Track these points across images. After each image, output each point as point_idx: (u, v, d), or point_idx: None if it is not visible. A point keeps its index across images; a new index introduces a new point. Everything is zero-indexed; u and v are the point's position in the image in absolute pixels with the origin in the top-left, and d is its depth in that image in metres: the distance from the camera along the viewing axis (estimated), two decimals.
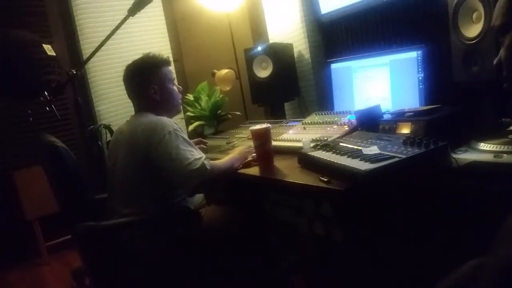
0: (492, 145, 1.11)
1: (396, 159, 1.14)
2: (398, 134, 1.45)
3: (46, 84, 2.31)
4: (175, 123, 1.60)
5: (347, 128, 1.67)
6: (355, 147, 1.37)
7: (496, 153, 1.05)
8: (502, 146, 1.08)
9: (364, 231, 1.21)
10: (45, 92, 2.22)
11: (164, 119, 1.59)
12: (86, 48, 2.81)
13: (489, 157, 1.06)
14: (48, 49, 2.38)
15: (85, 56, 2.72)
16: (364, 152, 1.27)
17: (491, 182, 0.99)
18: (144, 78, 1.69)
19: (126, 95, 1.78)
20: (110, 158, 1.74)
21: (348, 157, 1.29)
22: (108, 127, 2.68)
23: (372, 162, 1.16)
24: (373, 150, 1.28)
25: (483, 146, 1.14)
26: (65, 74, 2.28)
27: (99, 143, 2.60)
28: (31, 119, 2.84)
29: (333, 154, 1.37)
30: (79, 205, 1.55)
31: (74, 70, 2.18)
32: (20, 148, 2.89)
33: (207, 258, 1.55)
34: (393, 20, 1.99)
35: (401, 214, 1.19)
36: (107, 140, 2.69)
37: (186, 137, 1.58)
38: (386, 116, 1.65)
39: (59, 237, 2.94)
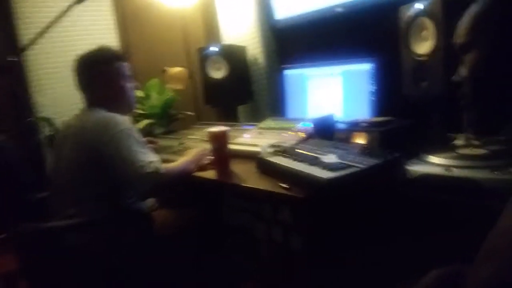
0: (442, 159, 1.19)
1: (356, 168, 1.18)
2: (353, 144, 1.50)
3: None
4: (129, 121, 1.53)
5: (303, 135, 1.70)
6: (313, 154, 1.40)
7: (446, 167, 1.12)
8: (452, 161, 1.16)
9: (322, 239, 1.23)
10: None
11: (117, 116, 1.52)
12: (26, 34, 2.59)
13: (440, 171, 1.13)
14: None
15: (24, 43, 2.52)
16: (323, 160, 1.30)
17: (442, 194, 1.06)
18: (96, 71, 1.60)
19: (70, 87, 1.68)
20: (54, 154, 1.63)
21: (307, 164, 1.31)
22: (47, 120, 2.50)
23: (332, 170, 1.19)
24: (332, 158, 1.31)
25: (433, 159, 1.21)
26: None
27: (38, 137, 2.42)
28: None
29: (293, 161, 1.38)
30: (17, 205, 1.43)
31: (11, 57, 2.02)
32: None
33: (158, 263, 1.50)
34: (348, 31, 2.06)
35: (358, 223, 1.23)
36: (47, 134, 2.51)
37: (140, 137, 1.52)
38: (340, 125, 1.70)
39: None
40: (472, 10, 0.91)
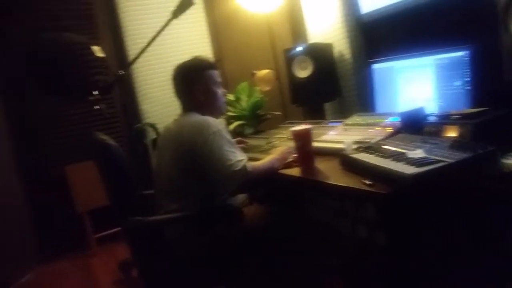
0: None
1: (443, 163, 1.13)
2: (444, 138, 1.42)
3: (94, 84, 2.44)
4: (220, 123, 1.65)
5: (390, 130, 1.65)
6: (399, 150, 1.36)
7: None
8: None
9: (408, 235, 1.20)
10: (94, 92, 2.34)
11: (210, 119, 1.64)
12: (132, 49, 2.92)
13: None
14: (98, 50, 2.50)
15: (130, 57, 2.84)
16: (409, 156, 1.26)
17: None
18: (190, 79, 1.75)
19: (169, 95, 1.85)
20: (157, 155, 1.82)
21: (392, 160, 1.28)
22: (153, 126, 2.78)
23: (417, 166, 1.15)
24: (418, 153, 1.26)
25: None
26: (112, 75, 2.39)
27: (144, 141, 2.71)
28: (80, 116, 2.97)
29: (377, 157, 1.36)
30: (128, 200, 1.62)
31: (121, 71, 2.28)
32: (70, 145, 3.05)
33: (247, 256, 1.59)
34: (438, 19, 1.94)
35: (446, 220, 1.17)
36: (151, 138, 2.80)
37: (230, 138, 1.62)
38: (431, 119, 1.62)
39: (107, 229, 3.08)
40: None
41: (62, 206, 3.00)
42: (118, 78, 2.26)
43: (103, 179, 1.69)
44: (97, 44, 2.57)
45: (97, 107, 2.26)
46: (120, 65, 2.92)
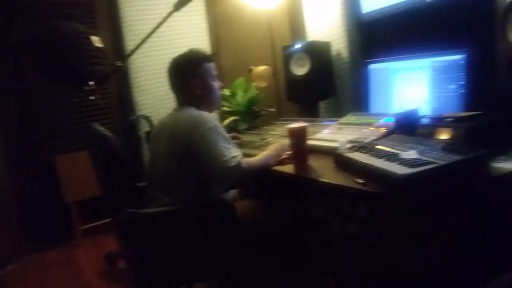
0: None
1: (435, 164, 1.14)
2: (437, 140, 1.44)
3: (91, 74, 2.42)
4: (215, 119, 1.65)
5: (384, 131, 1.67)
6: (393, 150, 1.37)
7: None
8: None
9: (398, 234, 1.22)
10: (90, 82, 2.33)
11: (205, 114, 1.64)
12: (130, 41, 2.91)
13: None
14: (96, 40, 2.48)
15: (128, 49, 2.83)
16: (402, 156, 1.28)
17: None
18: (186, 72, 1.75)
19: (165, 88, 1.83)
20: (151, 148, 1.82)
21: (385, 160, 1.29)
22: (147, 118, 2.78)
23: (410, 166, 1.17)
24: (411, 154, 1.28)
25: None
26: (110, 66, 2.38)
27: (138, 133, 2.70)
28: (75, 106, 2.96)
29: (370, 156, 1.37)
30: (122, 192, 1.62)
31: (119, 62, 2.27)
32: (63, 134, 3.04)
33: (239, 250, 1.60)
34: (436, 22, 1.96)
35: (435, 221, 1.19)
36: (145, 130, 2.79)
37: (225, 133, 1.62)
38: (425, 121, 1.64)
39: (93, 221, 3.06)
40: None
41: (49, 195, 2.97)
42: (115, 69, 2.24)
43: (97, 170, 1.69)
44: (95, 34, 2.55)
45: (92, 97, 2.25)
46: (118, 56, 2.91)
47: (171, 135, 1.66)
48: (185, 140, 1.58)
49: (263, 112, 2.77)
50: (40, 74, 2.48)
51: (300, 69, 2.52)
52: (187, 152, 1.58)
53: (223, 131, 1.62)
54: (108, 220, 2.72)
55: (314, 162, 1.59)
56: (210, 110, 1.77)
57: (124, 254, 1.74)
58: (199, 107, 1.71)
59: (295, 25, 3.04)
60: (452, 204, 1.16)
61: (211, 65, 1.81)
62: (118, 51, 3.00)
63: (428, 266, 1.16)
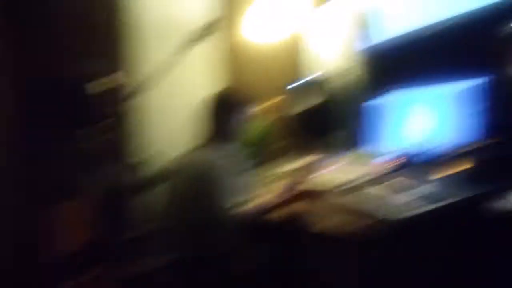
0: None
1: (432, 206, 1.06)
2: (445, 174, 1.32)
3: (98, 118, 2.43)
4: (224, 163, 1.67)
5: (392, 166, 1.59)
6: (388, 191, 1.31)
7: None
8: None
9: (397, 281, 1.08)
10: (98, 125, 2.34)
11: (214, 159, 1.66)
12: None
13: None
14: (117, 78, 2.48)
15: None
16: (396, 198, 1.22)
17: None
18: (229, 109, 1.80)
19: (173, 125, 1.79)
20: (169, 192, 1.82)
21: (379, 203, 1.23)
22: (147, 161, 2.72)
23: (405, 210, 1.09)
24: (409, 195, 1.20)
25: None
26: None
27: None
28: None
29: (363, 199, 1.31)
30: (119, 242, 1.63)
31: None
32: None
33: None
34: (450, 50, 1.84)
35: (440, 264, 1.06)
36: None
37: (230, 177, 1.66)
38: (435, 154, 1.53)
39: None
40: None
41: None
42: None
43: (96, 218, 1.69)
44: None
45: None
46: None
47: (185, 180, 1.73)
48: (192, 185, 1.66)
49: (273, 146, 2.69)
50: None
51: (306, 105, 2.48)
52: (193, 196, 1.64)
53: (228, 176, 1.65)
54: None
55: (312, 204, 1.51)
56: (227, 145, 1.79)
57: None
58: (218, 143, 1.76)
59: (303, 58, 3.01)
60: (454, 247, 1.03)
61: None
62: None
63: None
